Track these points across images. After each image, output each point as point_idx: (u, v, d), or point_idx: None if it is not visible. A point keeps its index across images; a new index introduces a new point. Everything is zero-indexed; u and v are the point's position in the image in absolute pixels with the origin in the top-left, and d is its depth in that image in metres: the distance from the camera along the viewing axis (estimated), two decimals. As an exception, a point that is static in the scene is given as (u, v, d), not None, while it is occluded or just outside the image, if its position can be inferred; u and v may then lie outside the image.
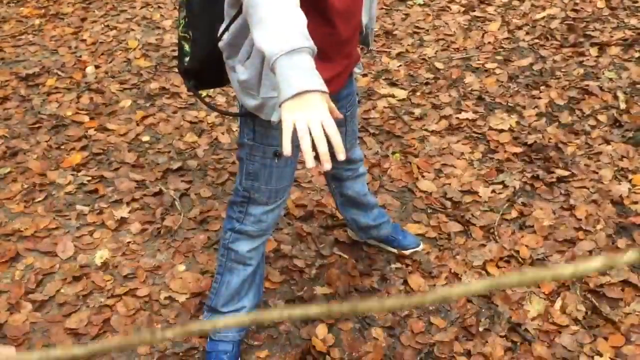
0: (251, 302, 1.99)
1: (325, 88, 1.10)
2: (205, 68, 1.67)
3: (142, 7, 4.39)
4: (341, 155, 1.08)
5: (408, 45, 3.84)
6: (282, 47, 1.11)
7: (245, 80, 1.53)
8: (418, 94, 3.38)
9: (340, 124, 1.87)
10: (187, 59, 1.68)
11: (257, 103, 1.55)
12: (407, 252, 2.40)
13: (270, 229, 1.91)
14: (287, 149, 1.08)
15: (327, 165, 1.08)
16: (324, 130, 1.07)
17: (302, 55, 1.11)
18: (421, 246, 2.43)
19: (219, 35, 1.56)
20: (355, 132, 2.07)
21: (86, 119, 3.24)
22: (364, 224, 2.31)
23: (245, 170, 1.76)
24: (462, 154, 2.93)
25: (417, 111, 3.23)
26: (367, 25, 1.73)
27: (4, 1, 4.48)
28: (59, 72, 3.64)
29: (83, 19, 4.24)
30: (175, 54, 3.82)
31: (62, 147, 3.04)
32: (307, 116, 1.07)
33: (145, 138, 3.10)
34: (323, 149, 1.07)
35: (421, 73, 3.56)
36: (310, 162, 1.06)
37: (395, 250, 2.41)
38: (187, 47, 1.67)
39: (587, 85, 3.28)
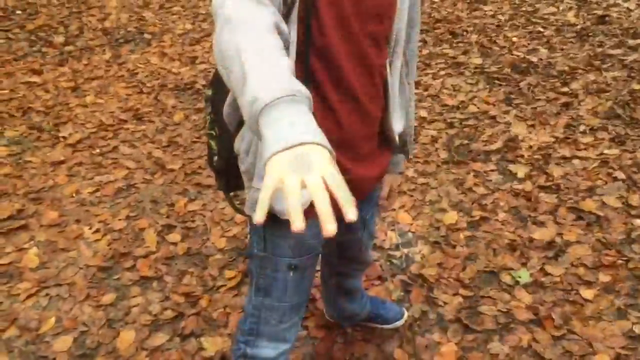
0: None
1: (330, 147, 0.78)
2: (231, 165, 1.44)
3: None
4: (350, 215, 0.70)
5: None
6: (271, 95, 0.81)
7: (245, 171, 1.36)
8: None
9: (355, 227, 1.73)
10: (215, 157, 1.49)
11: (249, 195, 1.38)
12: (390, 326, 2.31)
13: (286, 347, 1.62)
14: (259, 215, 0.71)
15: (331, 228, 0.69)
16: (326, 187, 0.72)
17: (295, 105, 0.81)
18: (405, 315, 2.34)
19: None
20: (373, 233, 1.88)
21: None
22: (350, 313, 2.21)
23: (255, 285, 1.54)
24: None
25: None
26: (404, 133, 1.58)
27: None
28: None
29: None
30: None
31: None
32: (302, 174, 0.72)
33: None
34: (325, 208, 0.69)
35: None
36: (298, 222, 0.69)
37: (380, 326, 2.31)
38: (214, 144, 1.48)
39: None
